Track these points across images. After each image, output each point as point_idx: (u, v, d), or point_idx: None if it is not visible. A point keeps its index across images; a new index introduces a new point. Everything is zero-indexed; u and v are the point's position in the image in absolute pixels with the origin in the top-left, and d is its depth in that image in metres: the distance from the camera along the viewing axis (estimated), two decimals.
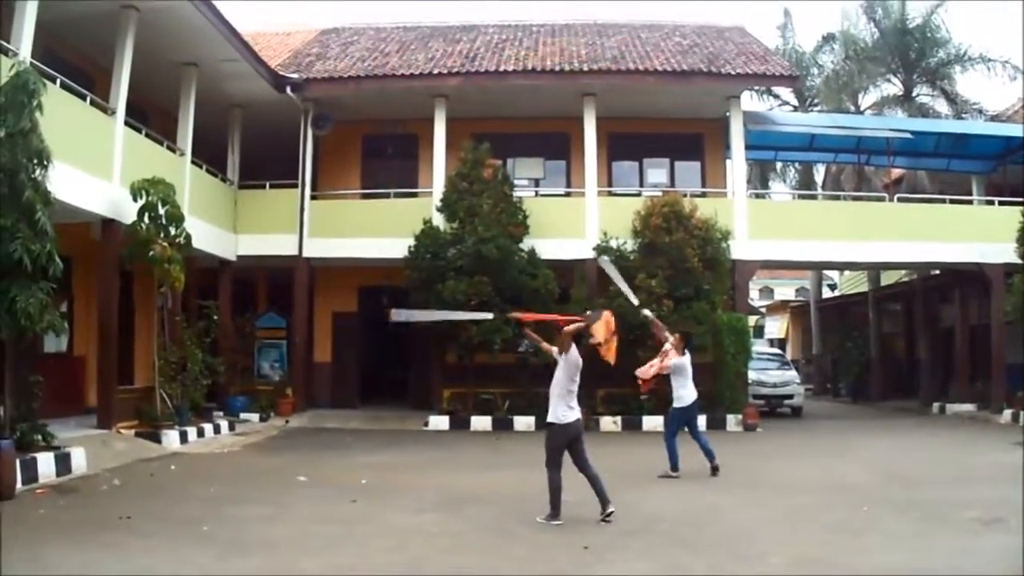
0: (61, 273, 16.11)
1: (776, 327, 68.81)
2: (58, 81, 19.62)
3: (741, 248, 30.39)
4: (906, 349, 44.98)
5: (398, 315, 14.98)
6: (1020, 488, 15.26)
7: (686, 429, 18.77)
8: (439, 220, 29.77)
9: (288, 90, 30.36)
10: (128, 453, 20.07)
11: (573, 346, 13.30)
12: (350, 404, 33.04)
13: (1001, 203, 33.14)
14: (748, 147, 32.95)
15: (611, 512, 12.95)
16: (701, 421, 25.70)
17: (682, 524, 13.25)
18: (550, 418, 13.21)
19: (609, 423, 27.90)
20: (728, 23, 38.66)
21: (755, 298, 66.34)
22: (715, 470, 18.18)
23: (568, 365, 13.22)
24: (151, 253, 22.13)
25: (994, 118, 41.33)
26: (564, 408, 13.11)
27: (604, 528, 12.67)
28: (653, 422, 26.54)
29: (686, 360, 18.92)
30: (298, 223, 31.39)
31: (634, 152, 34.83)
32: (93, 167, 21.30)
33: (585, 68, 31.02)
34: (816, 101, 46.70)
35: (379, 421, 29.79)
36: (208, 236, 27.88)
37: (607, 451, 16.66)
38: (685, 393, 18.67)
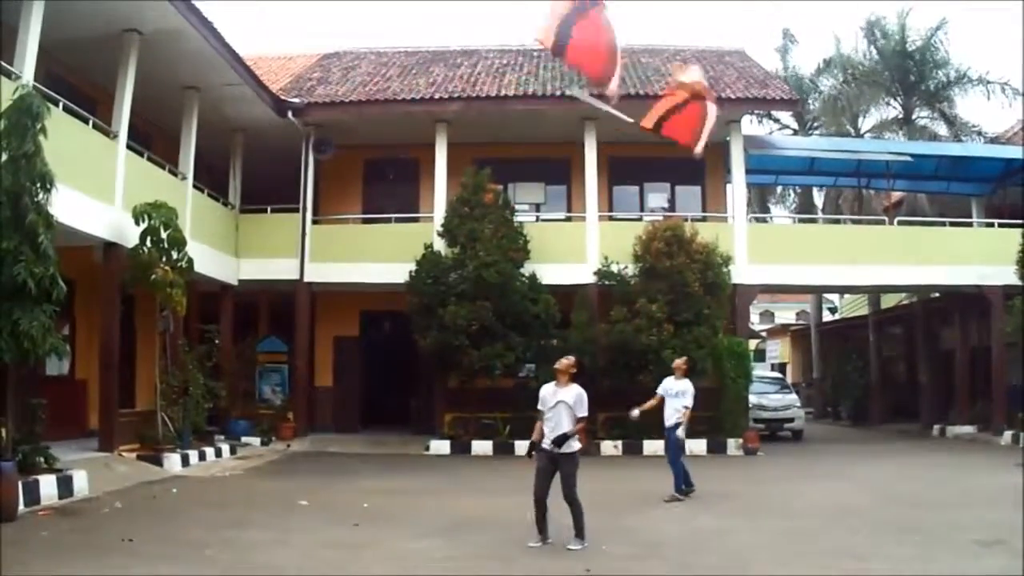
0: (64, 296, 16.12)
1: (778, 351, 68.76)
2: (61, 104, 19.71)
3: (742, 272, 30.39)
4: (907, 372, 45.02)
5: None
6: (1021, 510, 15.29)
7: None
8: (440, 245, 29.77)
9: (289, 114, 30.48)
10: (130, 476, 20.06)
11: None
12: (351, 428, 33.05)
13: (1001, 225, 33.25)
14: (748, 171, 33.01)
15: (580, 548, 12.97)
16: (702, 445, 25.98)
17: (684, 548, 13.25)
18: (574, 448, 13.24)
19: (610, 447, 27.88)
20: (729, 47, 38.75)
21: (756, 322, 66.35)
22: (676, 499, 18.17)
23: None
24: (153, 277, 22.19)
25: (993, 140, 41.47)
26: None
27: (606, 552, 12.64)
28: (654, 446, 26.51)
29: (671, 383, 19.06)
30: (299, 247, 31.44)
31: (635, 176, 34.87)
32: (95, 190, 21.34)
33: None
34: (816, 124, 46.81)
35: (380, 445, 29.78)
36: (210, 260, 27.93)
37: (608, 476, 16.66)
38: (666, 415, 18.81)
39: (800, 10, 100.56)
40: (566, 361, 13.52)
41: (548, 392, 13.30)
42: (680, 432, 18.56)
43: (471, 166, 30.39)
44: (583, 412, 13.13)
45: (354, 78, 34.48)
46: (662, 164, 33.70)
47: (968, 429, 33.75)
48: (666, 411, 18.72)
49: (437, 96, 31.37)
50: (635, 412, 18.52)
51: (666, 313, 27.54)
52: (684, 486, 18.22)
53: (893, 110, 44.54)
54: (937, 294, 39.13)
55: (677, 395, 18.68)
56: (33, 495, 15.78)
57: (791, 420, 36.06)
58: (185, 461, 23.08)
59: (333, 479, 21.87)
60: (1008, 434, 30.40)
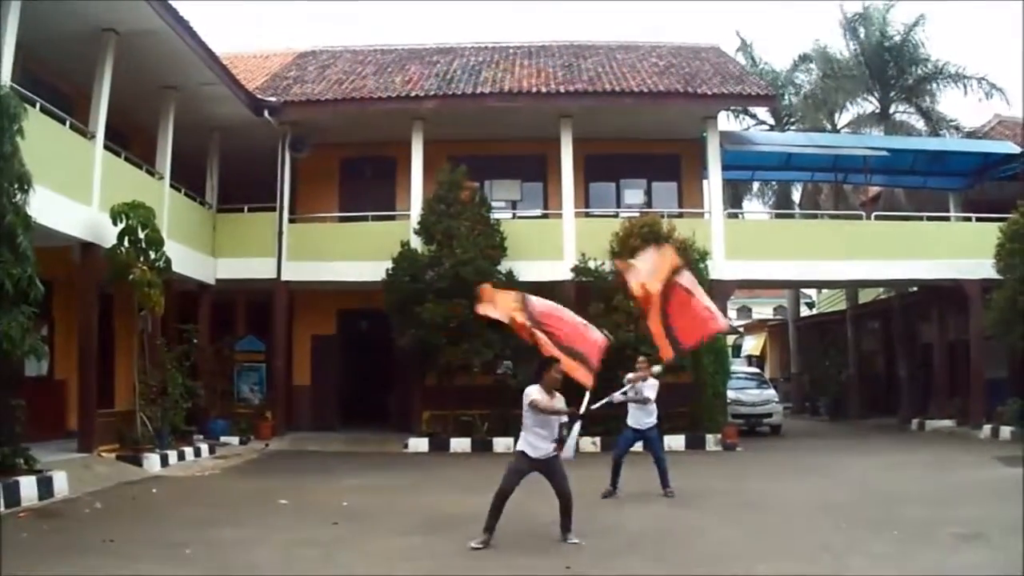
0: (42, 297, 16.10)
1: (752, 344, 68.76)
2: (38, 104, 19.66)
3: (719, 268, 30.47)
4: (885, 366, 45.12)
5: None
6: (1001, 503, 15.39)
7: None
8: (417, 243, 29.78)
9: (266, 113, 30.40)
10: (110, 476, 20.03)
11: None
12: (330, 427, 33.06)
13: (978, 219, 33.38)
14: (725, 167, 33.01)
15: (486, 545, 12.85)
16: (680, 441, 26.09)
17: (663, 543, 13.28)
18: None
19: (588, 443, 27.88)
20: (705, 43, 38.79)
21: (733, 317, 66.39)
22: (610, 494, 18.20)
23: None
24: (131, 277, 22.17)
25: (970, 135, 41.43)
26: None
27: (586, 548, 12.67)
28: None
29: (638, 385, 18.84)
30: (276, 246, 31.42)
31: (611, 173, 34.95)
32: (73, 191, 21.31)
33: (562, 90, 31.16)
34: (793, 120, 46.79)
35: (359, 444, 29.78)
36: (187, 260, 27.89)
37: (586, 472, 16.67)
38: (636, 417, 18.76)
39: (775, 6, 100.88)
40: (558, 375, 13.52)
41: (544, 399, 13.22)
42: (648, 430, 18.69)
43: (447, 164, 30.40)
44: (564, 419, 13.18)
45: (330, 76, 34.46)
46: (638, 160, 33.99)
47: (947, 423, 33.93)
48: (635, 414, 18.74)
49: (413, 94, 31.38)
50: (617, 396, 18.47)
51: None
52: (612, 487, 18.26)
53: (870, 105, 44.59)
54: (915, 288, 39.25)
55: (641, 397, 18.63)
56: (13, 496, 15.77)
57: (769, 415, 36.17)
58: (164, 461, 23.03)
59: (312, 478, 21.87)
60: (987, 428, 30.53)
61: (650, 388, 18.54)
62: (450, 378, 28.77)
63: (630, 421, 18.73)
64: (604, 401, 17.20)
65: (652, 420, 18.65)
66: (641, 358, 19.32)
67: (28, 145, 15.84)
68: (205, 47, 25.71)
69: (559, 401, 13.21)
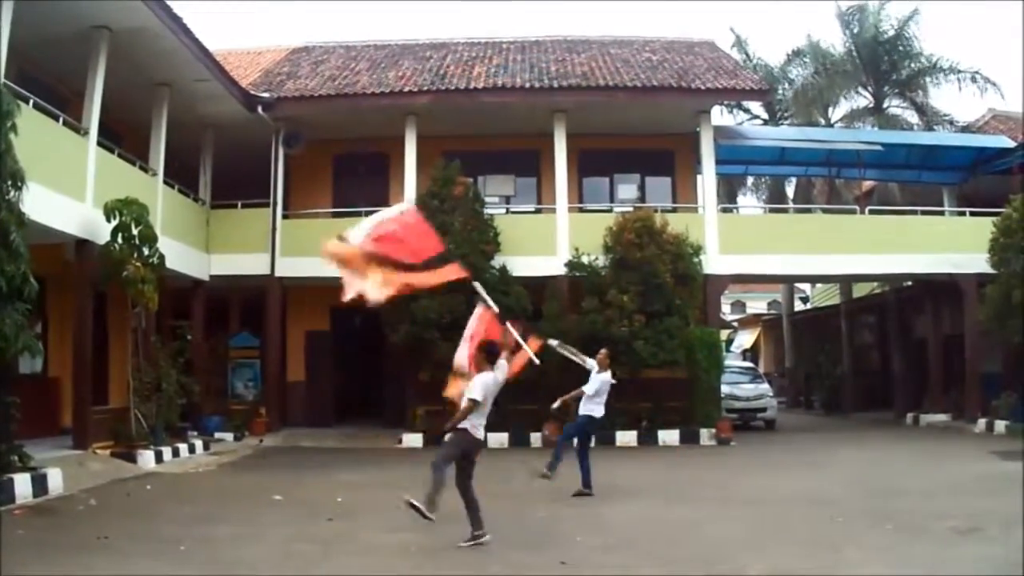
0: (36, 294, 16.06)
1: (746, 339, 68.70)
2: (31, 102, 19.59)
3: (713, 263, 30.51)
4: (880, 361, 45.09)
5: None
6: (998, 498, 15.42)
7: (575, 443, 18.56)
8: None
9: (259, 109, 30.40)
10: (104, 473, 20.00)
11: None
12: (324, 423, 32.99)
13: (972, 214, 33.38)
14: (719, 161, 33.02)
15: (482, 539, 12.65)
16: (675, 436, 26.08)
17: (658, 539, 13.29)
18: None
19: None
20: (698, 38, 38.75)
21: (727, 312, 66.37)
22: (545, 476, 18.00)
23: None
24: (125, 274, 22.15)
25: (964, 129, 41.47)
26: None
27: (581, 544, 12.67)
28: (626, 437, 26.70)
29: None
30: (270, 242, 31.45)
31: (605, 168, 34.99)
32: (66, 188, 21.30)
33: (555, 85, 31.21)
34: (786, 114, 46.74)
35: (353, 439, 29.78)
36: (181, 256, 27.88)
37: (568, 468, 16.73)
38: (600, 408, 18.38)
39: (769, 3, 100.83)
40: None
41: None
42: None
43: (441, 159, 30.36)
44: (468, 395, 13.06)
45: (323, 72, 34.43)
46: (632, 155, 33.97)
47: (942, 417, 33.87)
48: (585, 404, 18.41)
49: (406, 89, 31.42)
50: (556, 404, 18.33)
51: (637, 304, 27.57)
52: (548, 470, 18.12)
53: (864, 100, 44.61)
54: (909, 283, 39.19)
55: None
56: (8, 494, 15.78)
57: (764, 410, 36.14)
58: (159, 458, 23.08)
59: (306, 474, 21.87)
60: (982, 422, 30.52)
61: (593, 382, 18.28)
62: (444, 374, 28.62)
63: (582, 410, 18.51)
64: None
65: (593, 412, 18.39)
66: (604, 350, 19.18)
67: (21, 142, 15.77)
68: (198, 43, 25.68)
69: (484, 373, 13.61)
